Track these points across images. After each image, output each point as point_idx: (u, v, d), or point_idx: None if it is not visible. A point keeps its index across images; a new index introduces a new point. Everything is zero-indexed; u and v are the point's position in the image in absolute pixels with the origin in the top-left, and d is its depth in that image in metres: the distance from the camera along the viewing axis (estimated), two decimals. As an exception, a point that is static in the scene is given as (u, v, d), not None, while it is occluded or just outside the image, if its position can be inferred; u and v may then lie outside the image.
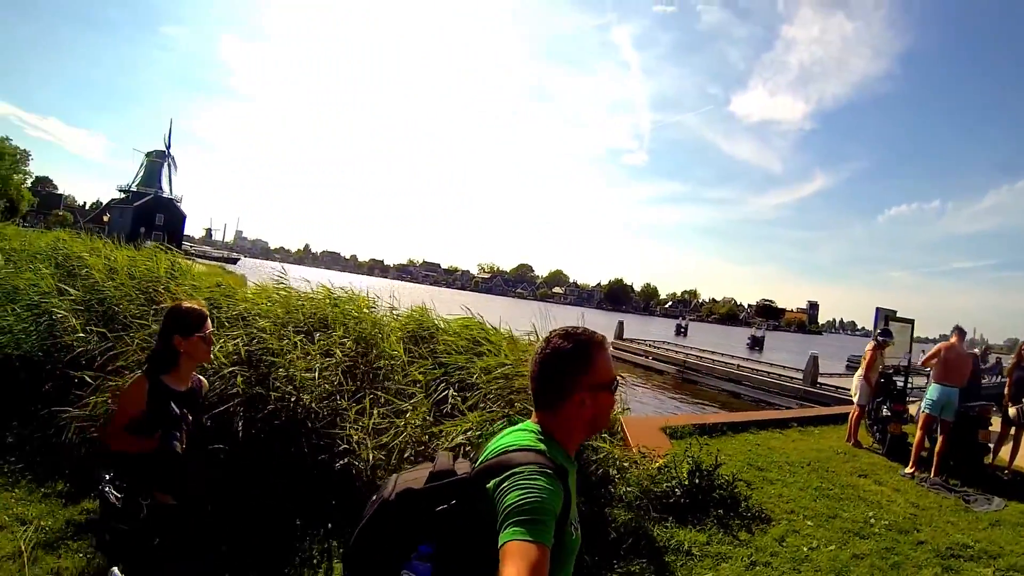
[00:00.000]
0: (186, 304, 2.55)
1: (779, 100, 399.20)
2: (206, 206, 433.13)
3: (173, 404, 2.31)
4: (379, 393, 3.87)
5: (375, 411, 3.72)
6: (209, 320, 2.52)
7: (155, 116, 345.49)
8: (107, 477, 2.34)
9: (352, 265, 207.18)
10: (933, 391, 6.90)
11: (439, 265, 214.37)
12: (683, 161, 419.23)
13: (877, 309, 11.01)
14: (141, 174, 77.34)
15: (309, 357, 3.83)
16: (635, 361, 21.62)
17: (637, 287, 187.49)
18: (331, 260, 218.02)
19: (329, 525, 3.37)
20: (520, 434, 1.33)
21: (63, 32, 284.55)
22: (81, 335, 4.45)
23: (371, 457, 3.36)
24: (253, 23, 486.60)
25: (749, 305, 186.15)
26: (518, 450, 1.25)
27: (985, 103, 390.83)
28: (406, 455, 3.40)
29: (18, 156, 62.84)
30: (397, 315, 5.32)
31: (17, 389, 4.48)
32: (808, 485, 5.78)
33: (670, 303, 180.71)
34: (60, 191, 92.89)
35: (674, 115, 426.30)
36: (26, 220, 57.02)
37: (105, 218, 70.10)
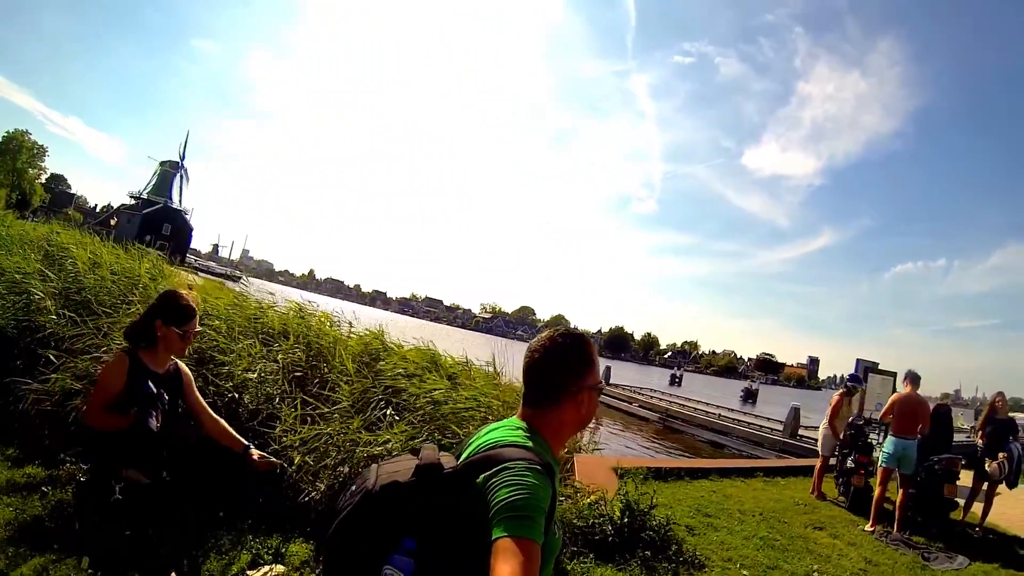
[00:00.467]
0: (182, 295, 2.54)
1: (790, 156, 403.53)
2: (216, 221, 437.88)
3: (150, 382, 2.33)
4: (319, 404, 4.09)
5: (316, 417, 3.95)
6: (196, 320, 2.52)
7: (175, 126, 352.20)
8: (85, 467, 2.40)
9: (355, 294, 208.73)
10: (888, 443, 6.74)
11: (441, 302, 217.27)
12: (692, 212, 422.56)
13: (857, 361, 11.22)
14: (153, 182, 78.13)
15: (252, 359, 4.05)
16: (618, 407, 21.45)
17: (638, 336, 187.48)
18: (334, 288, 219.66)
19: (250, 521, 3.56)
20: (507, 430, 1.33)
21: (95, 30, 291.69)
22: (54, 317, 4.76)
23: (297, 460, 3.56)
24: (282, 39, 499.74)
25: (749, 358, 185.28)
26: (507, 446, 1.25)
27: (996, 161, 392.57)
28: (327, 461, 3.59)
29: (35, 151, 64.50)
30: (354, 334, 5.57)
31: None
32: (754, 534, 5.69)
33: (670, 353, 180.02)
34: (73, 190, 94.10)
35: (686, 166, 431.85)
36: (36, 215, 57.69)
37: (113, 222, 70.89)
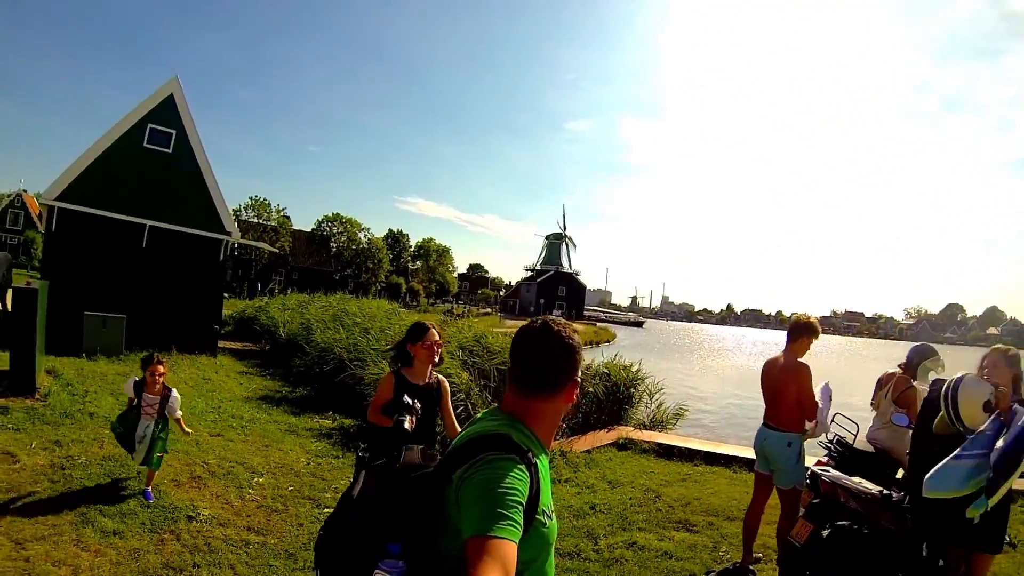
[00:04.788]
0: (420, 321, 3.40)
1: None
2: (631, 275, 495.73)
3: (407, 396, 3.01)
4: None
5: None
6: (431, 332, 3.31)
7: (570, 200, 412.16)
8: (363, 446, 3.18)
9: (776, 321, 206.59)
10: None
11: (862, 314, 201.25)
12: None
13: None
14: (543, 255, 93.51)
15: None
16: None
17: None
18: (753, 318, 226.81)
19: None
20: (488, 421, 1.36)
21: (484, 142, 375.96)
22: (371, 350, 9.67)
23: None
24: (648, 103, 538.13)
25: None
26: (485, 436, 1.25)
27: None
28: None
29: (440, 251, 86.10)
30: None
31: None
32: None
33: None
34: (492, 274, 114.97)
35: None
36: (458, 299, 79.25)
37: (502, 292, 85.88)
